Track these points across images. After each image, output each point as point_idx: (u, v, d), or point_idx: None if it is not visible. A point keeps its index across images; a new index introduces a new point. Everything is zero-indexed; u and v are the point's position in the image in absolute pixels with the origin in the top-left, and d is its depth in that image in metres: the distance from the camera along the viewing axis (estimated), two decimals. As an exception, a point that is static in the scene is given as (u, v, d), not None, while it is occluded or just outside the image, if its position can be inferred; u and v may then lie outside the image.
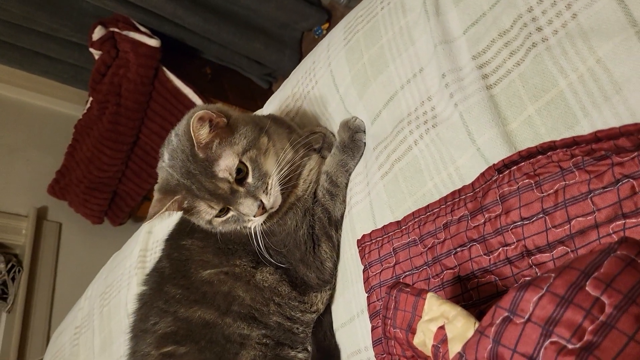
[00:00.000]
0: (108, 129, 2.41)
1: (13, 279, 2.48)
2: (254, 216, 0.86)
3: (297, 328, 0.90)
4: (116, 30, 2.30)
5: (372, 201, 0.85)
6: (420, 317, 0.56)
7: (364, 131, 0.93)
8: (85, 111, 2.55)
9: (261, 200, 0.86)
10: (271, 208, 0.88)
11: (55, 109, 2.97)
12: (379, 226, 0.81)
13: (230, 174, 0.84)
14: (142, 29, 2.34)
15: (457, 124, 0.72)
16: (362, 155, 0.94)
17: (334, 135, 1.00)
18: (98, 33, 2.32)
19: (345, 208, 0.93)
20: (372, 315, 0.77)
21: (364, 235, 0.82)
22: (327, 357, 0.89)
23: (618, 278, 0.39)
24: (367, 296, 0.78)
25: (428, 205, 0.72)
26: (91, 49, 2.37)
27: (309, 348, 0.91)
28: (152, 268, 1.04)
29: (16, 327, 2.38)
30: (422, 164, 0.77)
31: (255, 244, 0.89)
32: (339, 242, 0.93)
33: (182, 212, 0.90)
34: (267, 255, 0.89)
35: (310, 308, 0.91)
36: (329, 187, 0.93)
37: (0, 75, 2.72)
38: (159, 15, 2.38)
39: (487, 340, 0.43)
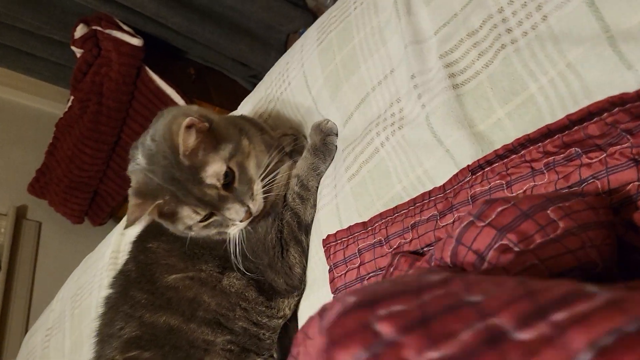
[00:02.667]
0: (89, 128, 2.37)
1: (-10, 278, 2.44)
2: (240, 221, 0.84)
3: (264, 334, 0.88)
4: (99, 28, 2.27)
5: (338, 204, 0.83)
6: None
7: (336, 134, 0.91)
8: (66, 110, 2.52)
9: (248, 206, 0.84)
10: (256, 213, 0.86)
11: (36, 107, 2.93)
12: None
13: (218, 180, 0.82)
14: (125, 28, 2.31)
15: (422, 125, 0.71)
16: (333, 158, 0.92)
17: (305, 138, 0.99)
18: (80, 31, 2.29)
19: (315, 212, 0.92)
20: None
21: (329, 235, 0.80)
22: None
23: (578, 214, 0.46)
24: (333, 297, 0.76)
25: (396, 207, 0.71)
26: (73, 47, 2.33)
27: (275, 355, 0.89)
28: (118, 270, 1.01)
29: (-8, 327, 2.34)
30: (390, 167, 0.75)
31: (231, 249, 0.86)
32: (308, 247, 0.91)
33: (159, 217, 0.86)
34: (237, 262, 0.87)
35: (277, 313, 0.89)
36: (300, 191, 0.91)
37: (-20, 72, 2.68)
38: (142, 14, 2.36)
39: (452, 240, 0.49)
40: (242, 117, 1.04)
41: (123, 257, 1.30)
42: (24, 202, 2.73)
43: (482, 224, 0.47)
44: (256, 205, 0.85)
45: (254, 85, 3.18)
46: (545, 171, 0.57)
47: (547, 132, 0.56)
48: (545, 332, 0.26)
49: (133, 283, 0.94)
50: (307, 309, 0.87)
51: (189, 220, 0.85)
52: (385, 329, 0.30)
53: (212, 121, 0.85)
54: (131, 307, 0.91)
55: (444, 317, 0.30)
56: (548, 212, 0.45)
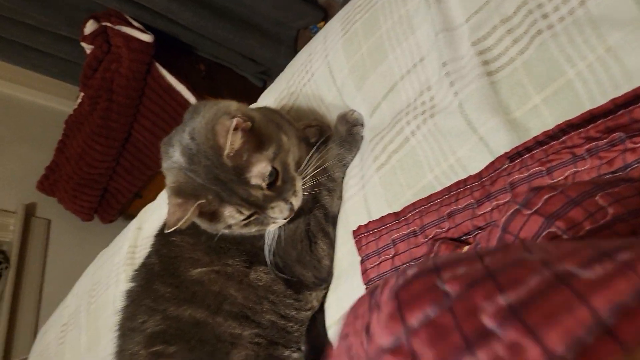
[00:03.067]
0: (99, 124, 2.36)
1: (0, 275, 2.43)
2: (284, 219, 0.83)
3: (292, 326, 0.87)
4: (109, 24, 2.26)
5: (366, 195, 0.83)
6: None
7: (362, 124, 0.91)
8: (76, 106, 2.51)
9: (291, 203, 0.83)
10: (297, 208, 0.85)
11: (45, 104, 2.92)
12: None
13: (263, 181, 0.80)
14: (135, 24, 2.30)
15: (455, 113, 0.70)
16: (359, 149, 0.91)
17: (330, 129, 0.98)
18: (90, 27, 2.28)
19: (341, 204, 0.91)
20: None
21: (359, 227, 0.79)
22: (320, 355, 0.86)
23: (627, 200, 0.45)
24: (366, 289, 0.75)
25: (430, 196, 0.70)
26: (83, 43, 2.32)
27: (303, 347, 0.88)
28: (140, 264, 1.00)
29: (2, 324, 2.33)
30: (421, 155, 0.74)
31: (267, 243, 0.86)
32: (335, 238, 0.90)
33: (198, 216, 0.83)
34: (268, 256, 0.86)
35: (305, 306, 0.88)
36: (326, 183, 0.90)
37: (-11, 69, 2.67)
38: (152, 10, 2.34)
39: (497, 229, 0.48)
40: (267, 109, 1.03)
41: (140, 252, 1.30)
42: (33, 200, 2.72)
43: (529, 212, 0.46)
44: (299, 202, 0.84)
45: (263, 81, 3.18)
46: (587, 157, 0.56)
47: (590, 118, 0.55)
48: (613, 268, 0.27)
49: (156, 276, 0.93)
50: (336, 301, 0.86)
51: (231, 220, 0.83)
52: (452, 287, 0.31)
53: (254, 119, 0.82)
54: (154, 301, 0.90)
55: (509, 269, 0.30)
56: (596, 198, 0.45)
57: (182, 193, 0.81)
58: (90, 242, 2.62)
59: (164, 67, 2.34)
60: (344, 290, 0.84)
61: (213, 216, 0.83)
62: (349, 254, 0.84)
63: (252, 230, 0.85)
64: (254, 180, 0.79)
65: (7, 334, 2.34)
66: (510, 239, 0.47)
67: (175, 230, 0.93)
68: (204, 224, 0.85)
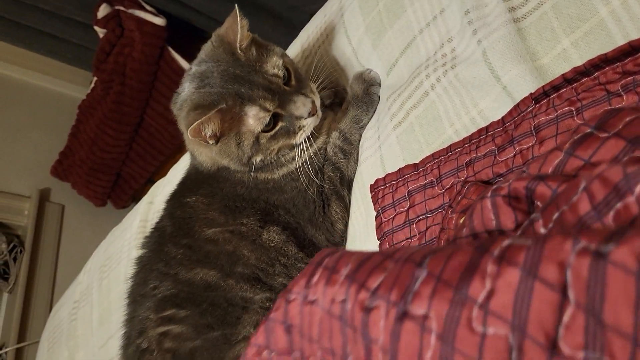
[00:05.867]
0: (112, 109, 2.36)
1: (15, 259, 2.44)
2: (308, 115, 0.83)
3: None
4: (121, 8, 2.26)
5: (382, 155, 0.79)
6: None
7: (379, 84, 0.87)
8: (89, 91, 2.51)
9: (312, 97, 0.84)
10: (317, 113, 0.85)
11: (59, 90, 2.92)
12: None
13: (279, 70, 0.83)
14: (148, 7, 2.29)
15: (479, 62, 0.66)
16: (375, 110, 0.88)
17: (345, 91, 0.95)
18: (103, 11, 2.27)
19: (357, 167, 0.88)
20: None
21: (377, 180, 0.76)
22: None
23: None
24: (379, 243, 0.72)
25: (450, 146, 0.66)
26: (96, 27, 2.32)
27: (316, 313, 0.85)
28: (152, 228, 0.98)
29: (17, 307, 2.34)
30: (441, 110, 0.71)
31: (301, 166, 0.86)
32: (350, 202, 0.87)
33: (220, 140, 0.83)
34: (311, 179, 0.86)
35: None
36: (342, 145, 0.88)
37: (4, 54, 2.68)
38: (164, -7, 2.33)
39: (559, 153, 0.40)
40: None
41: (152, 225, 1.28)
42: (47, 185, 2.73)
43: (606, 134, 0.39)
44: (317, 99, 0.85)
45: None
46: (623, 93, 0.52)
47: (630, 50, 0.51)
48: None
49: (168, 238, 0.91)
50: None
51: (257, 126, 0.81)
52: None
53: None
54: (166, 265, 0.88)
55: None
56: None
57: (199, 106, 0.80)
58: (104, 228, 2.60)
59: (177, 51, 2.33)
60: (360, 255, 0.81)
61: (238, 135, 0.83)
62: (363, 216, 0.81)
63: (279, 144, 0.85)
64: (272, 70, 0.82)
65: (22, 317, 2.35)
66: (577, 163, 0.40)
67: (189, 191, 0.92)
68: (228, 151, 0.84)
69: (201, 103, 0.80)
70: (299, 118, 0.83)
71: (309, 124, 0.84)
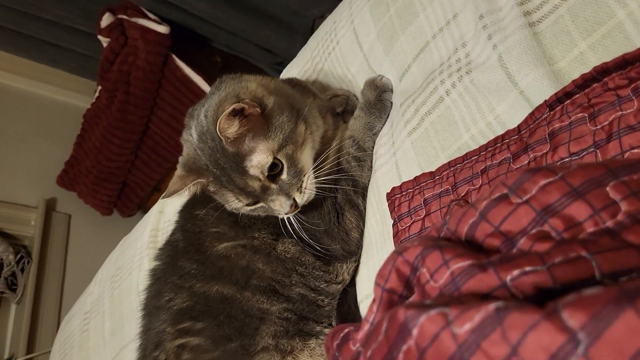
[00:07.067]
0: (117, 117, 2.36)
1: (22, 270, 2.44)
2: (286, 214, 0.80)
3: (322, 300, 0.84)
4: (125, 17, 2.26)
5: (397, 162, 0.79)
6: None
7: (392, 90, 0.87)
8: (94, 100, 2.51)
9: (294, 199, 0.80)
10: (303, 204, 0.82)
11: (63, 100, 2.93)
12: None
13: (262, 172, 0.77)
14: (151, 16, 2.30)
15: (495, 67, 0.66)
16: (388, 116, 0.88)
17: (357, 98, 0.94)
18: (106, 20, 2.27)
19: (371, 174, 0.87)
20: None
21: (393, 188, 0.75)
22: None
23: None
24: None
25: (466, 154, 0.66)
26: (99, 37, 2.32)
27: (334, 323, 0.85)
28: (165, 241, 0.98)
29: (25, 318, 2.34)
30: (456, 115, 0.71)
31: (287, 229, 0.83)
32: (365, 210, 0.87)
33: (206, 192, 0.84)
34: (299, 233, 0.83)
35: (336, 278, 0.85)
36: (355, 153, 0.87)
37: (8, 65, 2.69)
38: (167, 2, 2.33)
39: (474, 212, 0.39)
40: (291, 81, 1.00)
41: (163, 235, 1.28)
42: (54, 195, 2.74)
43: (519, 200, 0.37)
44: (304, 198, 0.81)
45: (280, 72, 3.16)
46: (634, 97, 0.51)
47: (623, 62, 0.51)
48: None
49: (181, 253, 0.90)
50: (367, 274, 0.83)
51: (234, 204, 0.81)
52: None
53: (267, 106, 0.79)
54: (180, 278, 0.88)
55: None
56: (607, 189, 0.35)
57: (187, 167, 0.82)
58: (111, 236, 2.61)
59: (181, 59, 2.33)
60: (376, 263, 0.81)
61: (218, 195, 0.82)
62: (379, 223, 0.81)
63: (262, 214, 0.84)
64: (253, 171, 0.77)
65: (30, 328, 2.35)
66: (487, 229, 0.38)
67: (199, 203, 0.91)
68: (216, 198, 0.84)
69: (190, 165, 0.81)
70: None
71: (287, 216, 0.82)
